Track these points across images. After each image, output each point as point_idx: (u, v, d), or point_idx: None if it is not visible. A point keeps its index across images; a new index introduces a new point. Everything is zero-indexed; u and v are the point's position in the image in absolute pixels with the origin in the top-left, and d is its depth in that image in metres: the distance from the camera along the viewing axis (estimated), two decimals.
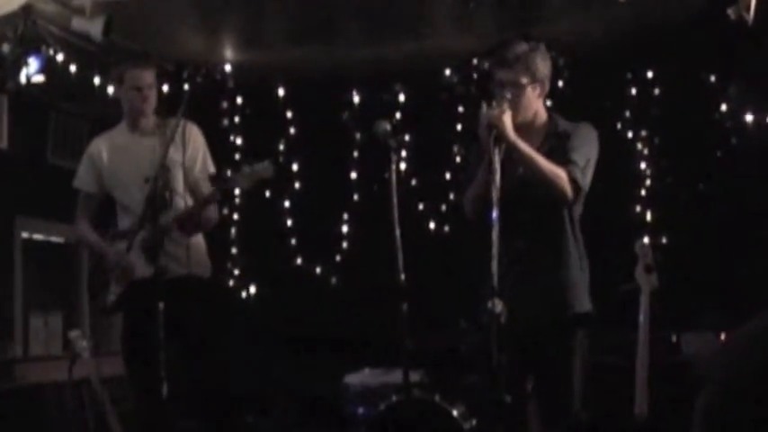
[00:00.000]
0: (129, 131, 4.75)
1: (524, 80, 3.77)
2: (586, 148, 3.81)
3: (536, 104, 3.86)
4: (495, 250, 3.24)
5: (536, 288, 3.72)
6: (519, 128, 3.69)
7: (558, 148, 3.79)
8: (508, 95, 3.74)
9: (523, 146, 3.65)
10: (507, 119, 3.61)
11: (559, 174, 3.67)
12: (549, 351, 3.74)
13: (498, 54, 3.83)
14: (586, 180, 3.78)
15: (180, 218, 4.48)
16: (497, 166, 3.43)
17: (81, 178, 4.73)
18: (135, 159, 4.64)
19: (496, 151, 3.49)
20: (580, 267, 3.85)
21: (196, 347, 4.62)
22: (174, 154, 4.51)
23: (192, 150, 4.70)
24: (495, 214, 3.29)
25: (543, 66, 3.83)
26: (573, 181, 3.70)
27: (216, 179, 4.47)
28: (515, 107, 3.72)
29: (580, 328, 3.80)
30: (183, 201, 4.64)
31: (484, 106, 3.66)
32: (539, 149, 3.73)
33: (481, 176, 3.69)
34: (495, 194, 3.33)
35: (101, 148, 4.73)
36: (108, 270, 4.60)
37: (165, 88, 7.06)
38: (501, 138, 3.56)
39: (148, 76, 4.72)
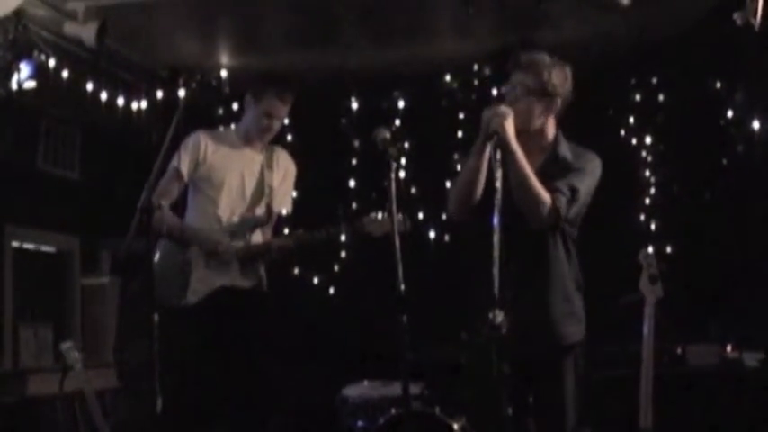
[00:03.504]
0: (239, 140, 4.83)
1: (530, 85, 3.70)
2: (579, 178, 3.71)
3: (542, 119, 3.76)
4: (496, 254, 3.16)
5: (526, 320, 3.55)
6: (522, 139, 3.61)
7: (555, 176, 3.70)
8: (510, 95, 3.71)
9: (521, 156, 3.57)
10: (509, 124, 3.54)
11: (544, 199, 3.59)
12: (541, 376, 3.72)
13: (516, 57, 3.79)
14: (572, 210, 3.68)
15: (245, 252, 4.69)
16: (498, 172, 3.36)
17: (182, 160, 4.70)
18: (237, 166, 4.76)
19: (497, 155, 3.44)
20: (575, 290, 3.78)
21: (254, 360, 4.71)
22: (269, 177, 4.75)
23: (285, 183, 4.90)
24: (495, 219, 3.22)
25: (559, 82, 3.73)
26: (555, 210, 3.62)
27: (339, 220, 4.75)
28: (514, 109, 3.62)
29: (571, 354, 3.76)
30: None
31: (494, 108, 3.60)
32: (536, 172, 3.64)
33: (464, 174, 3.66)
34: (498, 198, 3.26)
35: (207, 141, 4.77)
36: (188, 265, 4.61)
37: (160, 95, 7.06)
38: (500, 140, 3.50)
39: (284, 111, 4.79)
